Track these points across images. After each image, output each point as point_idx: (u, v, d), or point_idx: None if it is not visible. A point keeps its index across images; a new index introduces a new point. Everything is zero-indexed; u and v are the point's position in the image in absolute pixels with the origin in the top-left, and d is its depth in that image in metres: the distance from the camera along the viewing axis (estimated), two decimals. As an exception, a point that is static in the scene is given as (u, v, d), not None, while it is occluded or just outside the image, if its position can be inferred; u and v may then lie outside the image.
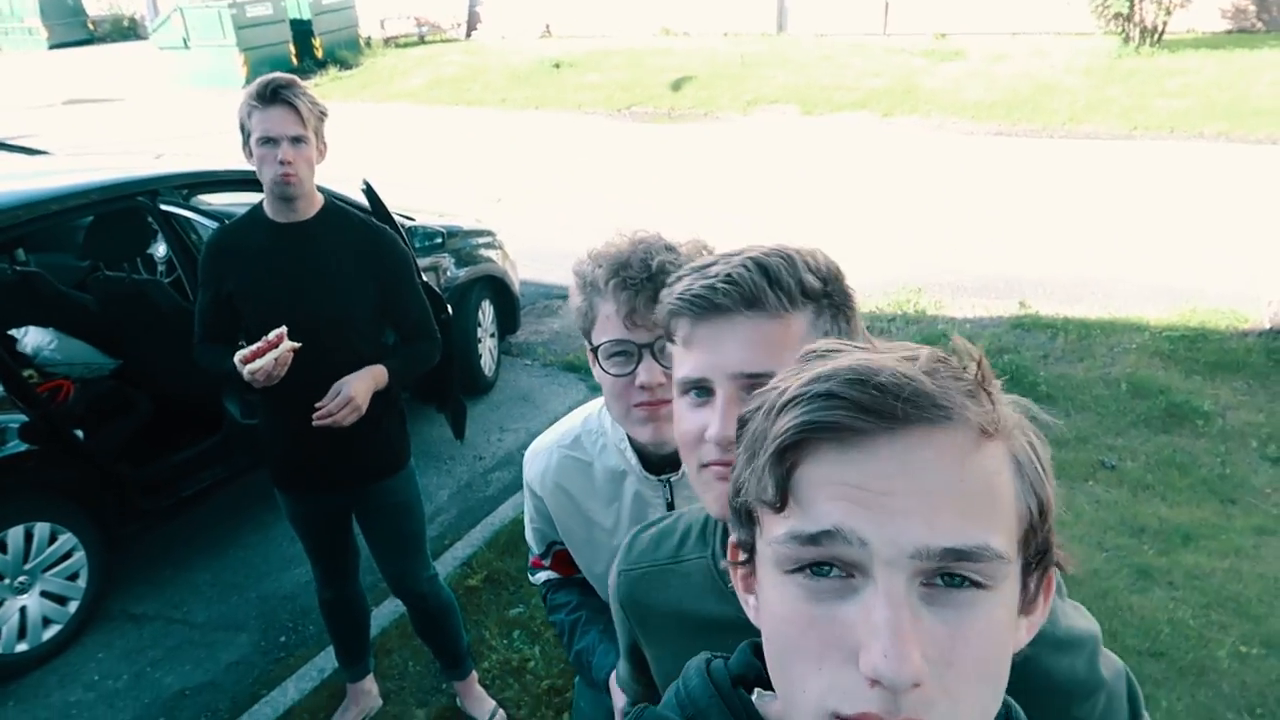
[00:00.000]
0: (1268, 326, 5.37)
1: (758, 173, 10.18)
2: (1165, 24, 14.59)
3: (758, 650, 0.76)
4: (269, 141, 2.30)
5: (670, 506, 1.49)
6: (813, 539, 0.57)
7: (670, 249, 1.34)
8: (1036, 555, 0.61)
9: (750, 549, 0.65)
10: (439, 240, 4.82)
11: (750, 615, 0.68)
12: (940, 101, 12.96)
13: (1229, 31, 16.46)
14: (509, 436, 4.92)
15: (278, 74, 2.37)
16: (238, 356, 2.33)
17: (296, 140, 2.32)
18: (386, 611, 3.56)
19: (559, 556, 1.70)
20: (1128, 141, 10.91)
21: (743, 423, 0.65)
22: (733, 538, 0.68)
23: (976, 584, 0.56)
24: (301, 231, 2.45)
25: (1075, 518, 3.90)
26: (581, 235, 8.21)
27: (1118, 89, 12.61)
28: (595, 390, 5.71)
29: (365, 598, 3.01)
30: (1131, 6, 14.41)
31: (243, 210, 2.59)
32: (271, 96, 2.28)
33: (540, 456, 1.63)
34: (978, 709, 0.57)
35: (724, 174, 10.22)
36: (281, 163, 2.31)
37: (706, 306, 0.97)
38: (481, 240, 5.26)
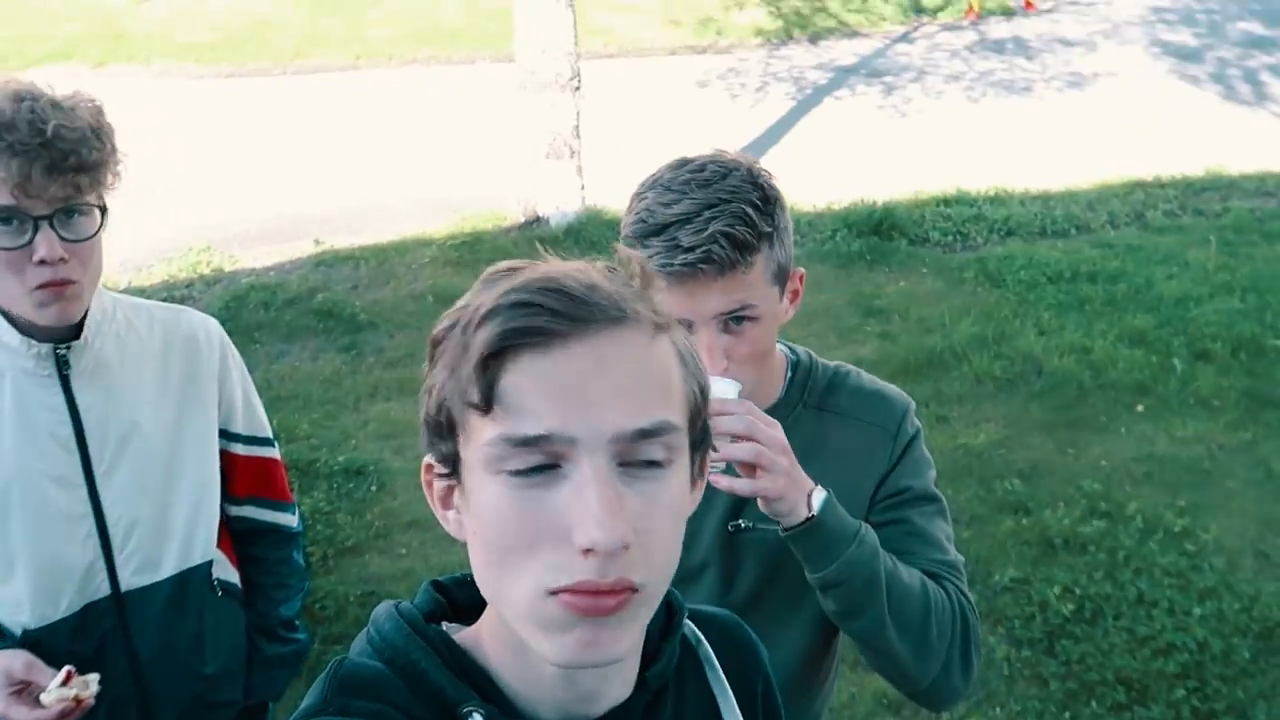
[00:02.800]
0: (522, 220, 6.35)
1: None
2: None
3: (438, 586, 0.80)
4: None
5: (66, 384, 1.37)
6: (525, 441, 0.62)
7: (58, 106, 1.25)
8: (700, 435, 0.71)
9: (452, 460, 0.68)
10: None
11: (451, 530, 0.72)
12: (157, 46, 12.03)
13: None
14: None
15: None
16: None
17: None
18: None
19: None
20: (354, 71, 11.51)
21: (436, 342, 0.68)
22: (428, 458, 0.71)
23: (661, 463, 0.65)
24: None
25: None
26: None
27: (331, 21, 13.11)
28: None
29: None
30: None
31: None
32: None
33: None
34: (668, 566, 0.67)
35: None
36: None
37: (685, 278, 1.12)
38: None
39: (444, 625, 0.77)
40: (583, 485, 0.62)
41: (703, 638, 0.84)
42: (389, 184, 7.38)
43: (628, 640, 0.66)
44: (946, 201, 6.69)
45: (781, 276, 1.23)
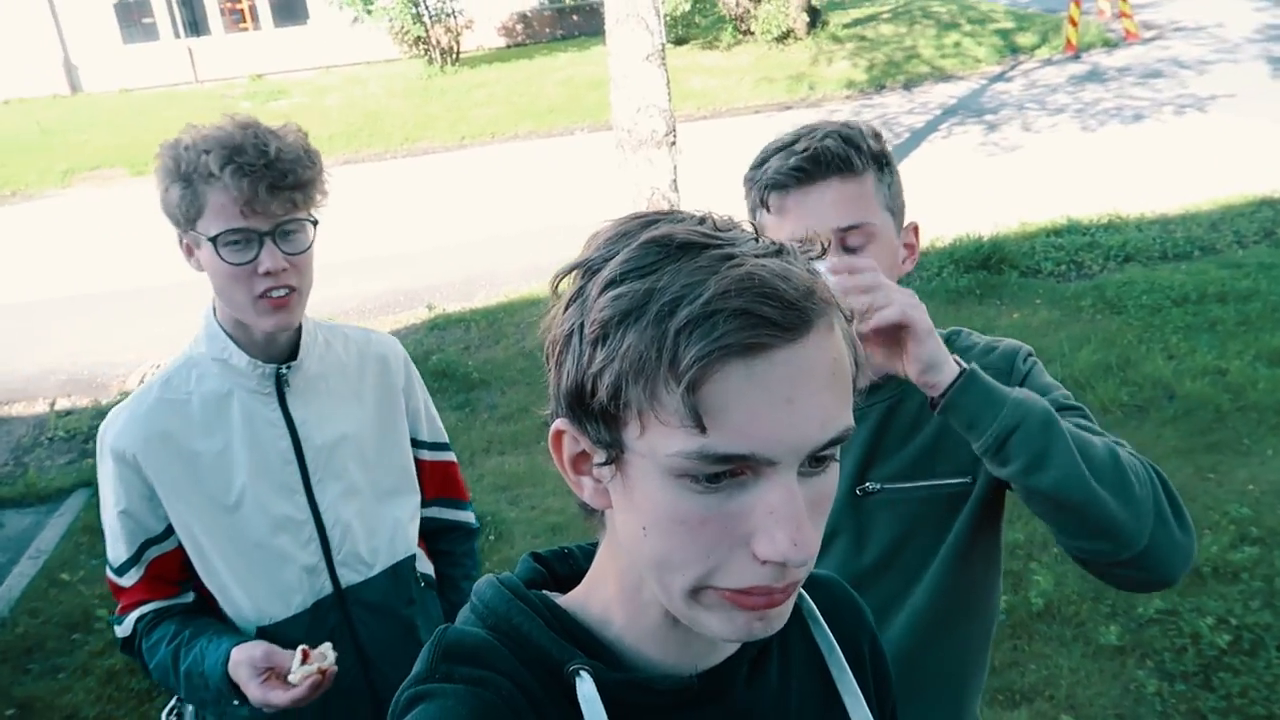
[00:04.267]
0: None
1: (89, 247, 9.09)
2: (458, 45, 16.27)
3: (538, 558, 0.81)
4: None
5: (283, 400, 1.48)
6: (725, 459, 0.59)
7: (275, 133, 1.37)
8: None
9: (611, 445, 0.63)
10: None
11: (583, 495, 0.69)
12: (280, 140, 12.86)
13: (508, 46, 18.93)
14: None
15: None
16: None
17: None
18: None
19: (157, 566, 1.49)
20: (461, 150, 12.02)
21: (607, 322, 0.60)
22: (565, 426, 0.67)
23: (831, 458, 0.64)
24: None
25: (544, 476, 4.30)
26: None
27: (437, 106, 13.79)
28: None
29: None
30: (426, 31, 15.77)
31: None
32: None
33: (122, 412, 1.47)
34: (819, 547, 0.65)
35: (60, 255, 8.96)
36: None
37: (803, 178, 1.19)
38: None
39: (545, 593, 0.77)
40: (773, 500, 0.60)
41: (806, 594, 0.82)
42: (495, 252, 7.63)
43: (789, 611, 0.66)
44: (1057, 231, 6.49)
45: (896, 210, 1.27)
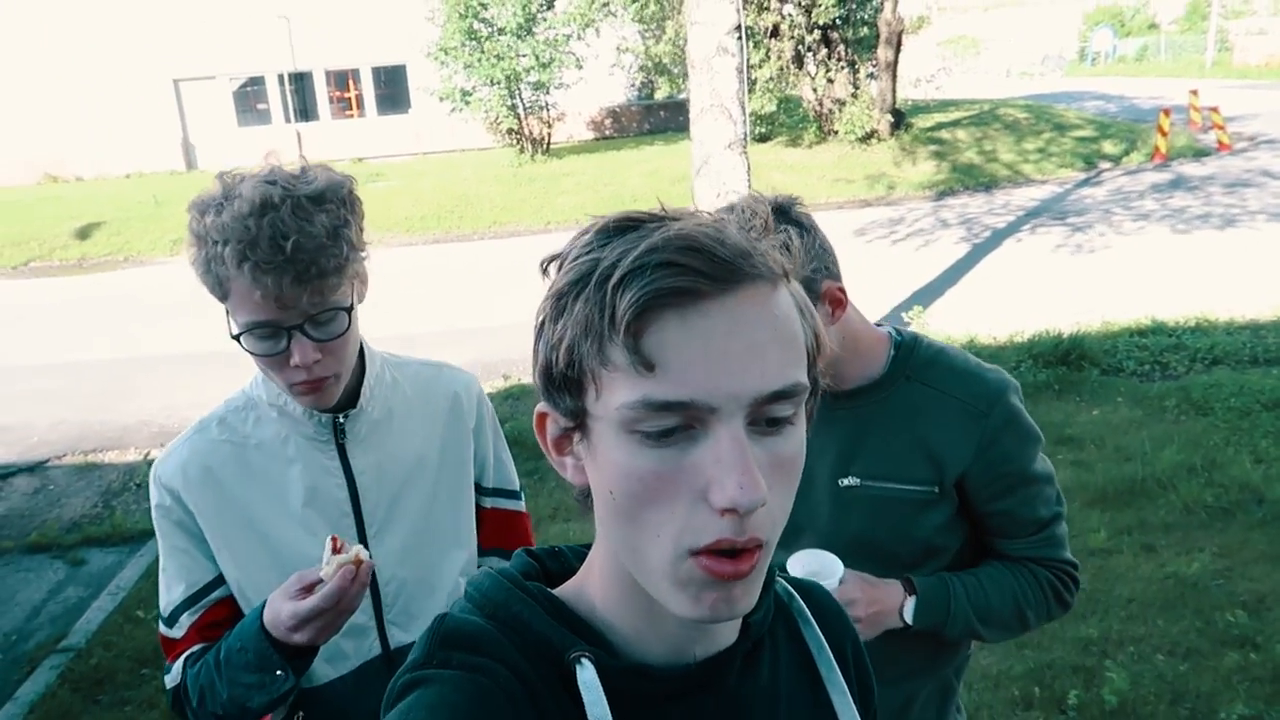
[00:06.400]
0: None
1: (190, 309, 9.54)
2: (549, 136, 16.94)
3: (531, 554, 0.81)
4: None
5: (342, 450, 1.40)
6: (667, 406, 0.61)
7: (300, 210, 1.23)
8: (813, 383, 0.69)
9: (576, 414, 0.67)
10: None
11: (566, 475, 0.71)
12: (375, 219, 13.43)
13: (597, 139, 19.63)
14: (-28, 647, 3.98)
15: None
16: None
17: None
18: None
19: (208, 616, 1.38)
20: (545, 234, 12.40)
21: (559, 295, 0.66)
22: (543, 407, 0.70)
23: (788, 420, 0.65)
24: None
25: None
26: (4, 406, 6.90)
27: (525, 191, 14.30)
28: (77, 566, 4.87)
29: None
30: (520, 122, 16.48)
31: None
32: None
33: (176, 451, 1.39)
34: (785, 519, 0.67)
35: (162, 315, 9.44)
36: None
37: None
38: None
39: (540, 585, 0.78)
40: (720, 448, 0.62)
41: (795, 593, 0.84)
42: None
43: (755, 594, 0.67)
44: (1142, 332, 6.37)
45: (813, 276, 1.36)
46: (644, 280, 0.61)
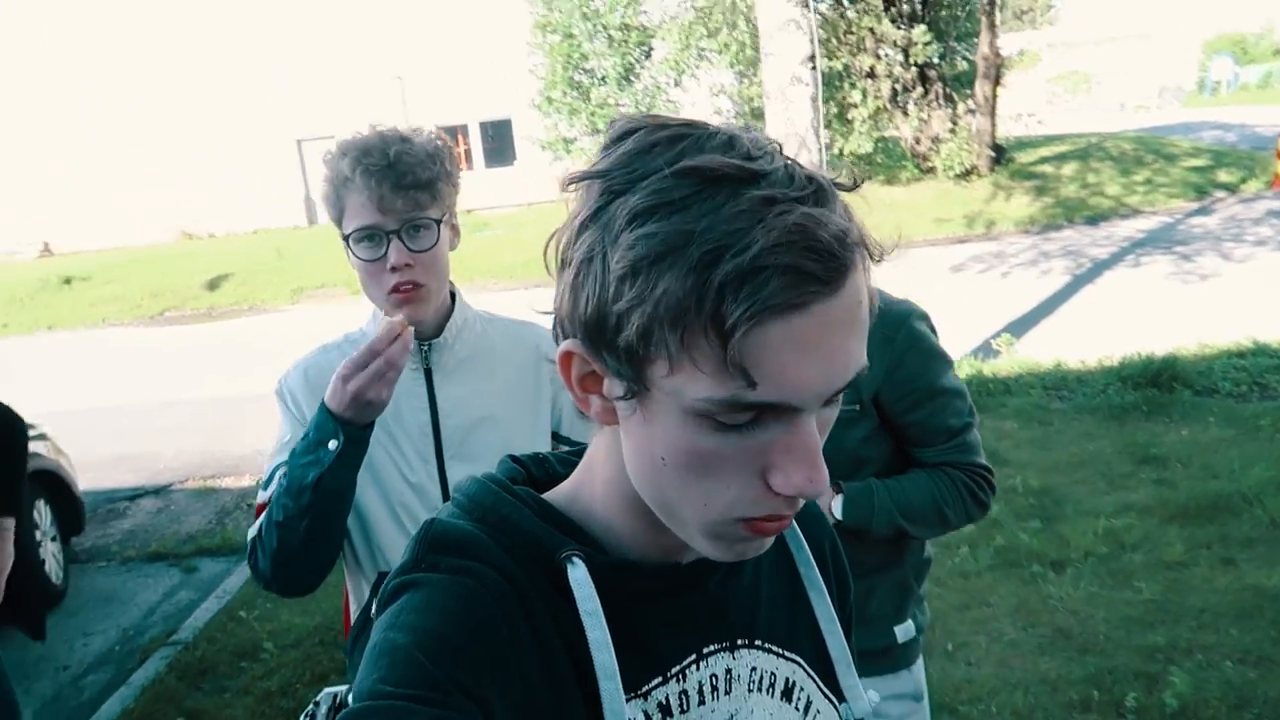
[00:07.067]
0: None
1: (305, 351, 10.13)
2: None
3: (515, 460, 0.82)
4: None
5: (429, 376, 1.55)
6: (753, 406, 0.59)
7: (406, 137, 1.46)
8: None
9: (632, 378, 0.62)
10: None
11: (589, 412, 0.68)
12: (480, 267, 14.01)
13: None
14: (96, 639, 4.36)
15: None
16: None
17: None
18: None
19: None
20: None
21: (638, 260, 0.58)
22: (577, 349, 0.65)
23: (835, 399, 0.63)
24: None
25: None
26: (136, 438, 7.46)
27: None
28: (190, 573, 5.28)
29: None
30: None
31: None
32: None
33: (300, 364, 1.60)
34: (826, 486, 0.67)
35: (280, 357, 10.06)
36: None
37: None
38: (24, 437, 4.70)
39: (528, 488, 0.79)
40: (793, 440, 0.61)
41: None
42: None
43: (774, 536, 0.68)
44: (1240, 354, 6.14)
45: None
46: (763, 290, 0.56)
